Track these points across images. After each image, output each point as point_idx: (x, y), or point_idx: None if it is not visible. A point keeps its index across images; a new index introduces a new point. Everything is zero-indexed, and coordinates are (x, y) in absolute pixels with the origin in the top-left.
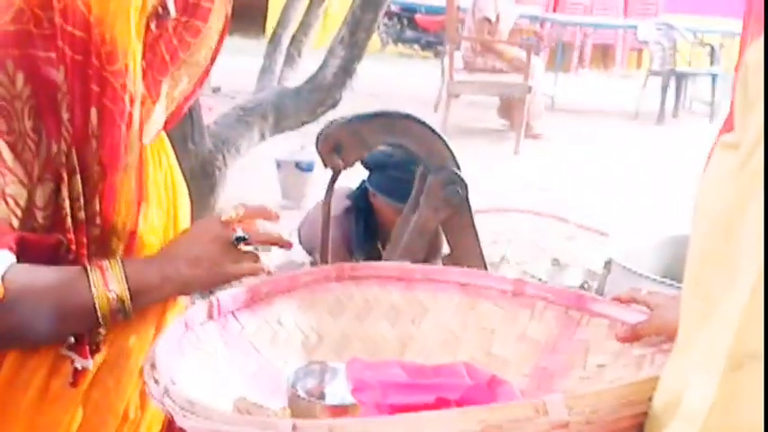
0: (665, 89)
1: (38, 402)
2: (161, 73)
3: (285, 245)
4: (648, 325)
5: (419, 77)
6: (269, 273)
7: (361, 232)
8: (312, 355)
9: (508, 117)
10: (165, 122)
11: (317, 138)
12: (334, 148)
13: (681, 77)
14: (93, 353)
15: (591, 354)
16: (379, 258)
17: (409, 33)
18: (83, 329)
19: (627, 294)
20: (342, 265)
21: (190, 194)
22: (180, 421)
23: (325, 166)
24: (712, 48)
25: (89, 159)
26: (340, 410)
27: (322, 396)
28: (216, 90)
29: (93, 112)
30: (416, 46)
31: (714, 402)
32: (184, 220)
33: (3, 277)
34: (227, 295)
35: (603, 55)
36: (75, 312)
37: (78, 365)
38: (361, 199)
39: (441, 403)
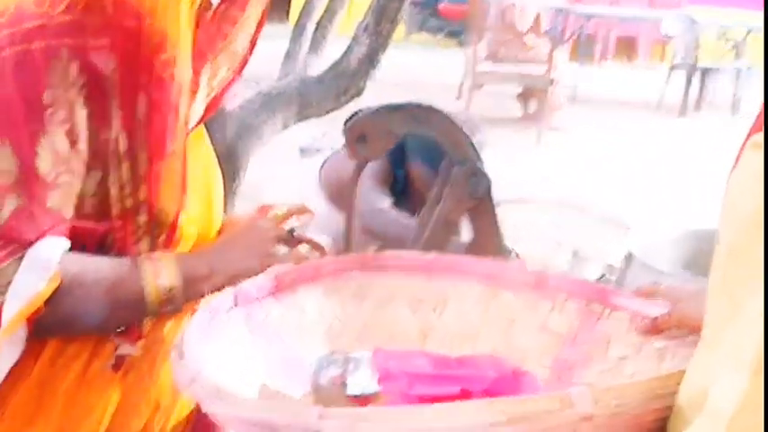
0: (688, 82)
1: (76, 385)
2: (200, 62)
3: (324, 254)
4: (669, 318)
5: (443, 66)
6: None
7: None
8: (335, 343)
9: (524, 103)
10: (205, 111)
11: (344, 127)
12: (359, 139)
13: (704, 72)
14: (137, 339)
15: (612, 346)
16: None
17: (433, 22)
18: (131, 320)
19: (648, 288)
20: (365, 255)
21: None
22: (207, 407)
23: (351, 156)
24: (735, 42)
25: (136, 147)
26: (363, 399)
27: (344, 385)
28: None
29: (142, 100)
30: (440, 35)
31: (743, 402)
32: (219, 210)
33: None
34: (252, 283)
35: (627, 47)
36: (126, 303)
37: (124, 351)
38: (396, 164)
39: (466, 395)
